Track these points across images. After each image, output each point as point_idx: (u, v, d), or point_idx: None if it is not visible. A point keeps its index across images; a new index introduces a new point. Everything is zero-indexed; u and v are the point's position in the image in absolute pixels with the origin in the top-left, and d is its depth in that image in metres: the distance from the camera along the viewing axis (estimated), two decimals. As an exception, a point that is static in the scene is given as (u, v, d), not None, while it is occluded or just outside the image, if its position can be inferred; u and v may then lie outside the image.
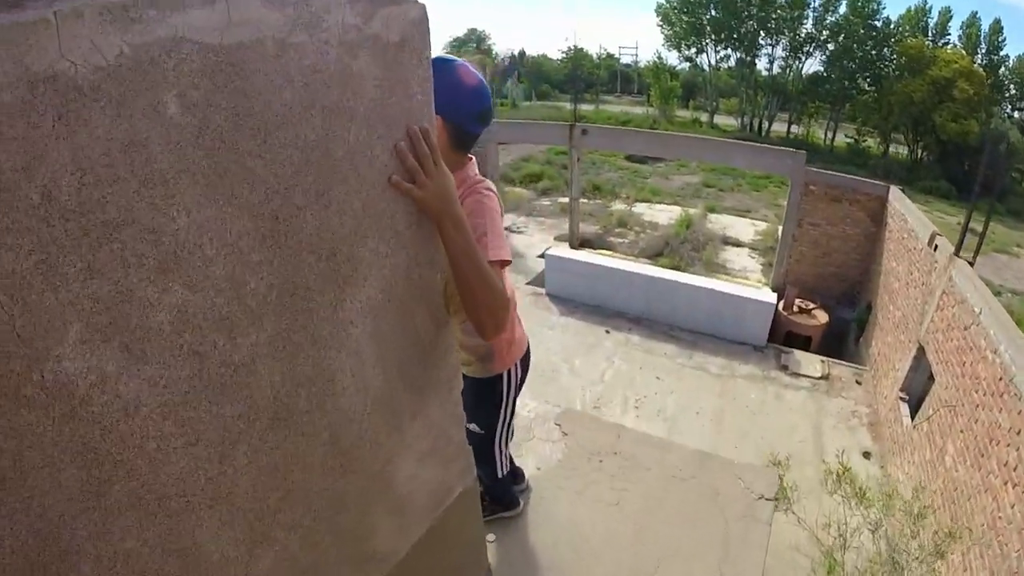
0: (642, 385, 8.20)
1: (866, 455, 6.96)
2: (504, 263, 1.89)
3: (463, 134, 2.08)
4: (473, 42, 53.40)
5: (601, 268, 10.36)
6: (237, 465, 1.17)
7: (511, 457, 3.56)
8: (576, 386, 8.20)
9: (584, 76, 48.23)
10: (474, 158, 2.24)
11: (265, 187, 1.08)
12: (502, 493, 3.66)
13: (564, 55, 50.82)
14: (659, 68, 40.18)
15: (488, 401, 2.88)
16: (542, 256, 12.05)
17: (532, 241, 14.87)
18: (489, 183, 2.11)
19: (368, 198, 1.33)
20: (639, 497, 4.15)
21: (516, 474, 3.95)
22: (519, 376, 2.92)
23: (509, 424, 3.10)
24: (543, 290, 11.18)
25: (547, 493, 4.11)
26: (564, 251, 11.52)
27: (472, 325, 1.70)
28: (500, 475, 3.26)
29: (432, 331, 1.70)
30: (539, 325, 9.94)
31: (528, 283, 11.90)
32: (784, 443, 6.85)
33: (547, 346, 9.24)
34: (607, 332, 9.59)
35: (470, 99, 2.02)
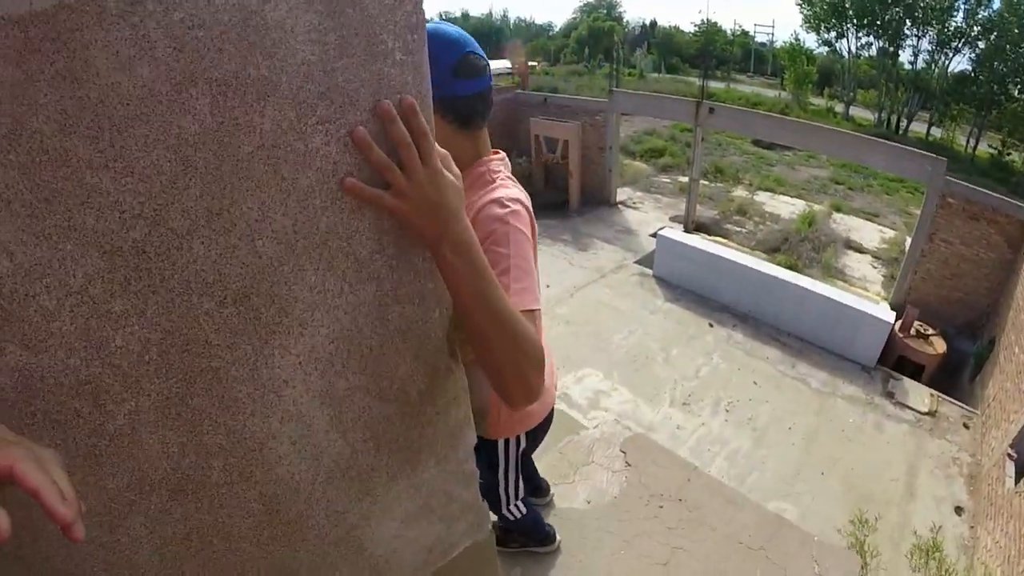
0: (737, 388, 7.92)
1: (958, 510, 6.43)
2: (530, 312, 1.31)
3: (452, 103, 1.46)
4: (603, 8, 51.91)
5: (714, 257, 9.97)
6: (133, 534, 0.96)
7: (535, 471, 3.37)
8: (668, 378, 8.01)
9: (716, 52, 46.19)
10: (502, 154, 1.69)
11: (119, 211, 0.75)
12: (530, 528, 3.15)
13: (696, 28, 48.77)
14: (795, 50, 37.87)
15: (484, 459, 2.21)
16: (654, 235, 11.72)
17: (646, 218, 14.49)
18: (517, 192, 1.52)
19: (302, 213, 0.91)
20: (695, 561, 3.47)
21: (539, 488, 3.54)
22: (520, 447, 2.33)
23: (515, 485, 2.53)
24: (651, 271, 10.93)
25: (590, 535, 3.53)
26: (677, 234, 11.11)
27: (492, 387, 1.18)
28: (514, 518, 2.75)
29: (425, 383, 1.24)
30: (642, 308, 9.74)
31: (636, 262, 11.65)
32: (874, 479, 6.48)
33: (646, 331, 9.05)
34: (710, 325, 9.30)
35: (438, 48, 1.36)
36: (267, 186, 0.85)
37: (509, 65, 25.89)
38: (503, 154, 1.69)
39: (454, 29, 1.48)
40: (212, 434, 0.97)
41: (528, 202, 1.54)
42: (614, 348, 8.80)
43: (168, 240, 0.80)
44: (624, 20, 49.87)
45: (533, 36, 50.28)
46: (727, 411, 7.46)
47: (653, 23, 52.88)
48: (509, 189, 1.49)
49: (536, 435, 2.34)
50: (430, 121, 1.00)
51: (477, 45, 1.51)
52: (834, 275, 12.55)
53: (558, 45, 45.29)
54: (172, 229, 0.79)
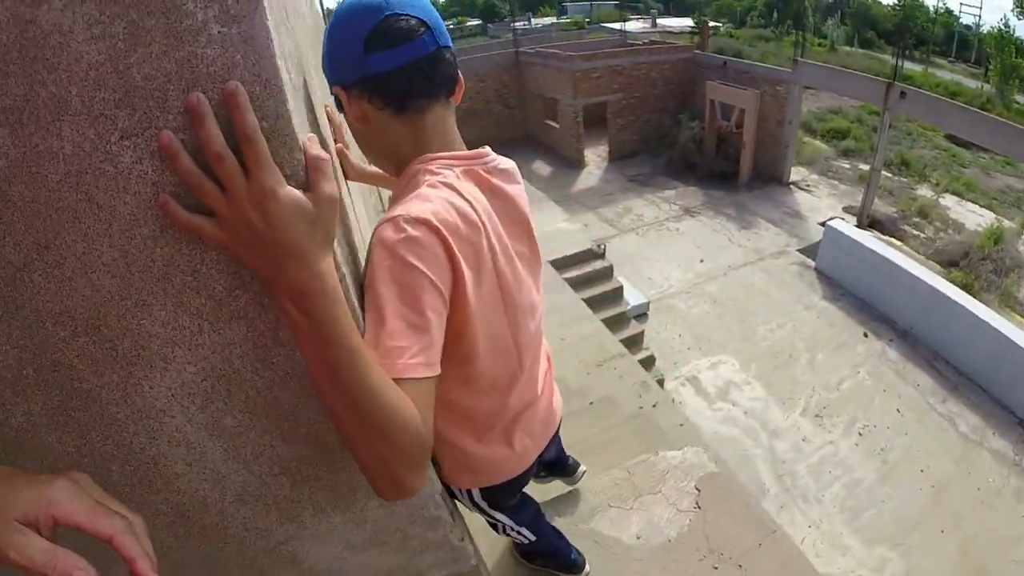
0: (878, 411, 7.50)
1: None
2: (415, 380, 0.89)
3: (374, 83, 1.08)
4: None
5: (884, 260, 9.30)
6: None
7: (560, 450, 2.57)
8: (807, 383, 7.72)
9: (915, 30, 41.37)
10: (485, 150, 1.24)
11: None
12: (550, 552, 2.58)
13: (896, 1, 43.94)
14: (1004, 38, 32.80)
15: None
16: (823, 225, 11.08)
17: (818, 204, 13.72)
18: (442, 207, 0.99)
19: (131, 244, 0.79)
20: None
21: (564, 467, 2.81)
22: (489, 499, 1.62)
23: (503, 519, 1.85)
24: (813, 263, 10.42)
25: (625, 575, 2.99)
26: (849, 228, 10.45)
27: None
28: (525, 542, 2.16)
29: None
30: (796, 301, 9.36)
31: (799, 250, 11.10)
32: (996, 554, 5.84)
33: (796, 327, 8.72)
34: (865, 335, 8.82)
35: (344, 22, 1.08)
36: (85, 216, 0.76)
37: (691, 23, 24.74)
38: (486, 151, 1.23)
39: None
40: (102, 443, 0.95)
41: (471, 218, 1.04)
42: (758, 339, 8.57)
43: (10, 272, 0.78)
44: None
45: None
46: (860, 434, 7.12)
47: (850, -11, 48.25)
48: (429, 202, 0.99)
49: (510, 489, 1.59)
50: (280, 116, 0.76)
51: (416, 3, 1.08)
52: (1013, 306, 11.39)
53: (745, 6, 42.29)
54: (11, 262, 0.77)
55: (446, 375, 0.99)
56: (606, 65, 16.67)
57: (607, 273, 7.85)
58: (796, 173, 15.00)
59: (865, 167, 14.75)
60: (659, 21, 33.87)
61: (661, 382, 6.99)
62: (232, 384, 0.95)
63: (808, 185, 14.81)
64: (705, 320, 9.03)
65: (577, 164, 17.44)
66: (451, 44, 1.15)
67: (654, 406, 4.58)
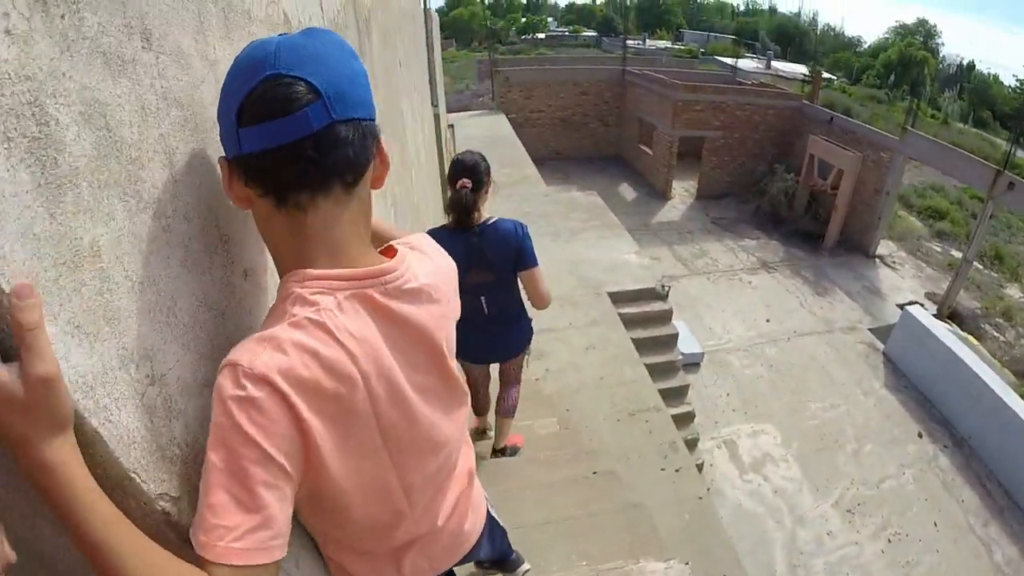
0: (913, 520, 7.02)
1: None
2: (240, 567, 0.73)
3: (247, 164, 0.84)
4: (920, 35, 45.41)
5: (956, 360, 8.64)
6: None
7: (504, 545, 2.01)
8: (847, 475, 7.34)
9: None
10: (395, 260, 0.97)
11: None
12: None
13: (1020, 85, 41.26)
14: None
15: None
16: (902, 308, 10.50)
17: (900, 284, 13.02)
18: (297, 359, 0.80)
19: None
20: None
21: (501, 562, 2.45)
22: None
23: None
24: (882, 346, 9.91)
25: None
26: (927, 317, 9.80)
27: None
28: None
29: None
30: (855, 384, 8.92)
31: (871, 329, 10.56)
32: None
33: (849, 411, 8.29)
34: (919, 435, 8.33)
35: (232, 75, 0.84)
36: None
37: (805, 71, 23.88)
38: (389, 266, 0.94)
39: (269, 42, 0.83)
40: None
41: (342, 370, 0.85)
42: (807, 415, 8.19)
43: None
44: (939, 54, 43.43)
45: (838, 47, 45.62)
46: (889, 541, 6.71)
47: (971, 65, 45.45)
48: (283, 353, 0.79)
49: None
50: None
51: (316, 58, 0.82)
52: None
53: (862, 63, 40.64)
54: None
55: (317, 516, 0.91)
56: (710, 100, 16.25)
57: (666, 316, 7.59)
58: (884, 247, 14.28)
59: (957, 254, 13.98)
60: (773, 63, 32.89)
61: (695, 441, 6.73)
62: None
63: (894, 262, 14.07)
64: (757, 383, 8.68)
65: (663, 195, 17.08)
66: (364, 114, 0.87)
67: (677, 471, 4.42)
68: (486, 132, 14.66)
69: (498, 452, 3.74)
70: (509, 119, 16.54)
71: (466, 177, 2.58)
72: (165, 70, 0.76)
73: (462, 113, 17.28)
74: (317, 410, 0.82)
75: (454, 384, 1.12)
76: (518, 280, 2.88)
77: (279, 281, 0.93)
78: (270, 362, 0.77)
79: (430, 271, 1.04)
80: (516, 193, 10.00)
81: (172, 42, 0.78)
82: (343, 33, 1.86)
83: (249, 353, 0.78)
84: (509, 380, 3.44)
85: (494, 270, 2.76)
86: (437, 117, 7.82)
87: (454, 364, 1.11)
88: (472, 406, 3.66)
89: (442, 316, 1.05)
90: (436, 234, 2.64)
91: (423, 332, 0.99)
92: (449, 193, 2.66)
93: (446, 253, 1.16)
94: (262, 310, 1.01)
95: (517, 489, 3.42)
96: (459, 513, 1.30)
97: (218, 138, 0.87)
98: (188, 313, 0.80)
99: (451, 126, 13.51)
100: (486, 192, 2.68)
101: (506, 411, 3.54)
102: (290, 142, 0.80)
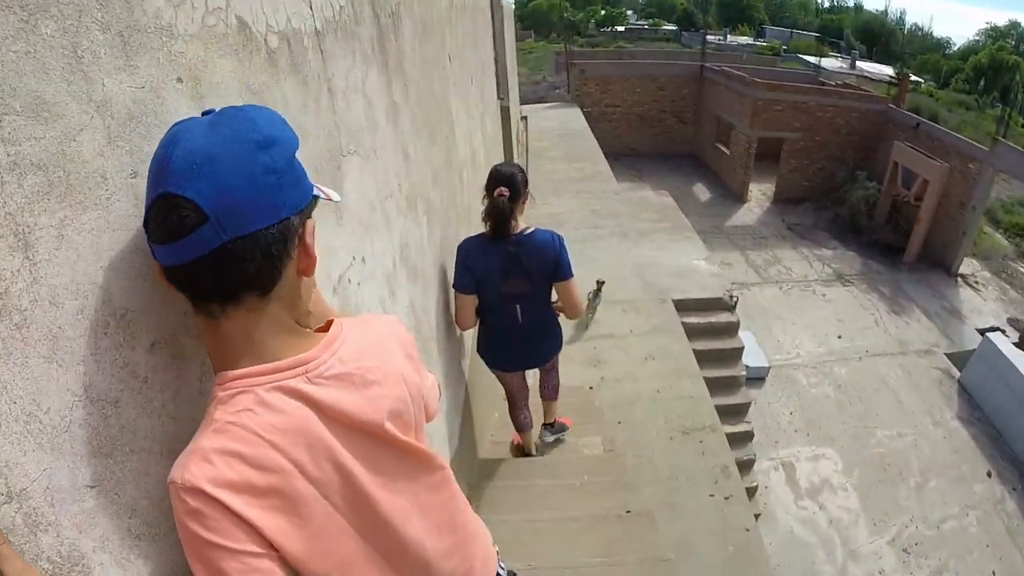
0: (972, 567, 6.47)
1: None
2: None
3: (170, 274, 0.80)
4: (1012, 38, 42.25)
5: (1036, 393, 8.05)
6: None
7: None
8: (907, 511, 6.90)
9: None
10: (311, 362, 0.91)
11: None
12: None
13: None
14: None
15: None
16: (982, 333, 9.84)
17: (982, 307, 12.13)
18: (224, 468, 0.79)
19: None
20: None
21: None
22: None
23: None
24: (957, 373, 9.28)
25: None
26: (1008, 346, 9.08)
27: None
28: None
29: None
30: (925, 412, 8.40)
31: (947, 353, 9.92)
32: None
33: (917, 442, 7.81)
34: (988, 475, 7.75)
35: (148, 177, 0.78)
36: None
37: (891, 73, 22.57)
38: (311, 355, 0.91)
39: (171, 140, 0.76)
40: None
41: (272, 463, 0.83)
42: (872, 443, 7.76)
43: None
44: (1034, 60, 40.32)
45: (926, 48, 43.01)
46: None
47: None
48: (208, 462, 0.78)
49: None
50: None
51: (201, 170, 0.74)
52: None
53: (951, 67, 38.04)
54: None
55: None
56: (791, 100, 15.61)
57: (731, 329, 7.25)
58: (967, 265, 13.36)
59: (1047, 276, 13.07)
60: (858, 63, 31.30)
61: (751, 463, 6.44)
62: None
63: (977, 282, 13.17)
64: (823, 404, 8.26)
65: (739, 197, 16.52)
66: (267, 222, 0.79)
67: (727, 498, 4.16)
68: (560, 125, 14.41)
69: (546, 426, 3.90)
70: (584, 112, 16.18)
71: (503, 186, 2.68)
72: (15, 132, 0.63)
73: (537, 105, 17.05)
74: (259, 505, 0.82)
75: (411, 449, 1.07)
76: (551, 290, 2.95)
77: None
78: (198, 473, 0.77)
79: (365, 348, 1.00)
80: (586, 189, 9.73)
81: (24, 96, 0.65)
82: (353, 31, 1.67)
83: (180, 468, 0.78)
84: (547, 372, 3.55)
85: (531, 280, 2.83)
86: (506, 110, 7.65)
87: (413, 436, 1.07)
88: (512, 420, 3.69)
89: (380, 396, 0.99)
90: (473, 242, 2.81)
91: (353, 416, 0.94)
92: (486, 201, 2.75)
93: (389, 318, 1.16)
94: (181, 382, 0.92)
95: (541, 521, 3.30)
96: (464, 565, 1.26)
97: (107, 194, 0.77)
98: (59, 413, 0.71)
99: (524, 118, 13.34)
100: (523, 202, 2.78)
101: (549, 395, 3.68)
102: (185, 263, 0.77)
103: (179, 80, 0.87)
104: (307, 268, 0.90)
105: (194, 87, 0.91)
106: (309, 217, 0.89)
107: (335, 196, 0.96)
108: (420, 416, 1.11)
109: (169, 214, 0.74)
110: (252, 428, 0.82)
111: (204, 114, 0.81)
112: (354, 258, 1.64)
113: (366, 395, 0.96)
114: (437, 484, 1.15)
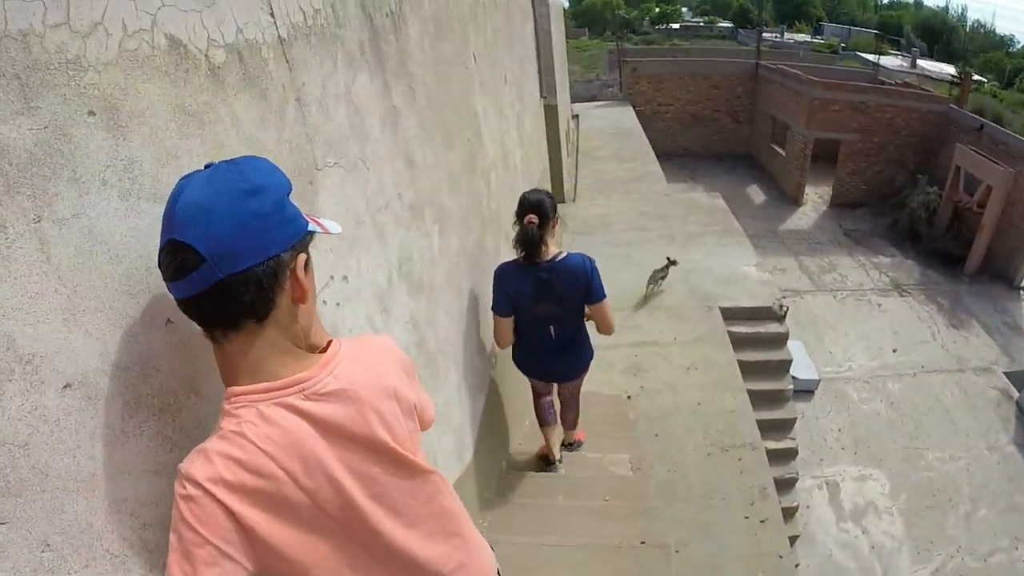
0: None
1: None
2: None
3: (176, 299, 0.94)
4: None
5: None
6: None
7: None
8: (953, 540, 6.52)
9: None
10: (312, 377, 1.01)
11: None
12: None
13: None
14: None
15: None
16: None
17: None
18: (222, 468, 0.90)
19: None
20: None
21: None
22: None
23: None
24: (1016, 394, 8.75)
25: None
26: (1074, 367, 8.56)
27: None
28: None
29: None
30: (980, 436, 7.94)
31: (1006, 372, 9.35)
32: None
33: (969, 466, 7.38)
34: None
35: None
36: None
37: (953, 72, 21.45)
38: (306, 375, 1.00)
39: (178, 193, 0.89)
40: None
41: (265, 471, 0.94)
42: (921, 466, 7.35)
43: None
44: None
45: (988, 46, 40.84)
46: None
47: None
48: (210, 462, 0.90)
49: None
50: None
51: (199, 219, 0.86)
52: None
53: (1015, 65, 36.05)
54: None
55: None
56: (849, 99, 14.99)
57: (780, 340, 6.89)
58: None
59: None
60: (919, 62, 29.97)
61: (793, 481, 6.12)
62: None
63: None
64: (873, 422, 7.86)
65: (794, 200, 15.97)
66: (258, 259, 0.91)
67: (762, 522, 3.89)
68: (611, 124, 14.11)
69: (566, 446, 4.00)
70: (636, 111, 15.83)
71: (532, 213, 2.72)
72: None
73: (588, 103, 16.78)
74: (250, 503, 0.93)
75: (407, 464, 1.14)
76: (584, 309, 3.01)
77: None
78: (200, 470, 0.90)
79: (360, 366, 1.10)
80: (635, 190, 9.46)
81: None
82: (333, 35, 1.58)
83: (188, 462, 0.92)
84: (568, 404, 3.64)
85: (562, 304, 2.89)
86: (553, 108, 7.44)
87: (407, 448, 1.14)
88: (536, 414, 3.73)
89: (372, 410, 1.08)
90: (509, 267, 2.88)
91: (347, 428, 1.04)
92: (516, 228, 2.80)
93: (385, 341, 1.24)
94: (98, 423, 0.94)
95: (550, 546, 3.20)
96: None
97: (7, 242, 0.78)
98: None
99: (575, 116, 13.09)
100: (553, 227, 2.82)
101: (569, 425, 3.82)
102: (190, 297, 0.90)
103: (91, 113, 0.86)
104: (300, 297, 1.01)
105: (110, 118, 0.90)
106: (303, 251, 1.00)
107: (334, 229, 1.07)
108: (415, 429, 1.20)
109: (174, 257, 0.88)
110: (251, 438, 0.94)
111: (206, 167, 0.92)
112: (332, 277, 1.58)
113: (359, 409, 1.05)
114: (430, 495, 1.21)
